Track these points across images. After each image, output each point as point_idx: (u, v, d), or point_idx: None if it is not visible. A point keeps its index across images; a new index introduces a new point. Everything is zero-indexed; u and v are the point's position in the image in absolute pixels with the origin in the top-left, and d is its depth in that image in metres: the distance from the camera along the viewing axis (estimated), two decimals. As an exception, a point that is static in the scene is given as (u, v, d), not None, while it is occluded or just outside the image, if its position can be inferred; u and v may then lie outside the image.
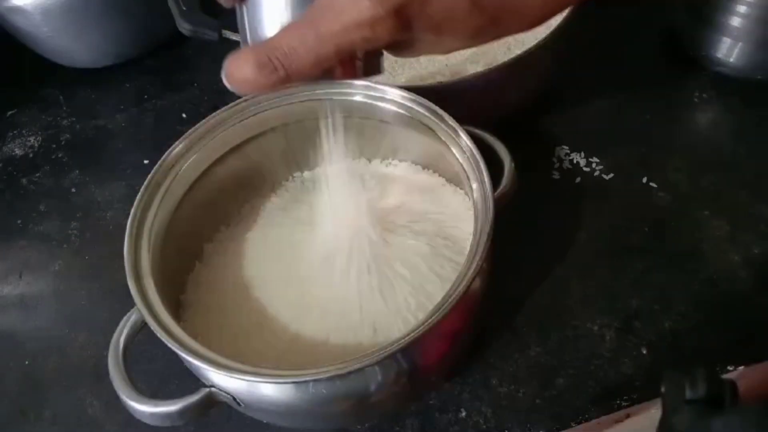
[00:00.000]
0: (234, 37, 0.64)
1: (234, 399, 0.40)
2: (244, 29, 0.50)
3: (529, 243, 0.57)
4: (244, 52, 0.39)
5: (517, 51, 0.56)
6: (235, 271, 0.53)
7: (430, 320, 0.38)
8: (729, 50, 0.65)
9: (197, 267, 0.54)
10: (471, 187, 0.47)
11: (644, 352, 0.51)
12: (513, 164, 0.48)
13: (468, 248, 0.44)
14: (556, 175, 0.63)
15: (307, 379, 0.37)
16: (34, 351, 0.57)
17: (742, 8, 0.62)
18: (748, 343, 0.50)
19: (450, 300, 0.39)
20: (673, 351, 0.51)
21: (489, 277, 0.45)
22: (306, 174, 0.60)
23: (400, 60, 0.70)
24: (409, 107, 0.52)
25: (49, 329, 0.59)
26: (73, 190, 0.70)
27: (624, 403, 0.48)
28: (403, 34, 0.38)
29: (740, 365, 0.48)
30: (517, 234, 0.53)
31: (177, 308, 0.50)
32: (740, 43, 0.64)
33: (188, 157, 0.51)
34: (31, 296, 0.61)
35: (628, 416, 0.46)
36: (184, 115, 0.76)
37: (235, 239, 0.56)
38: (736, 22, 0.63)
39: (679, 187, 0.61)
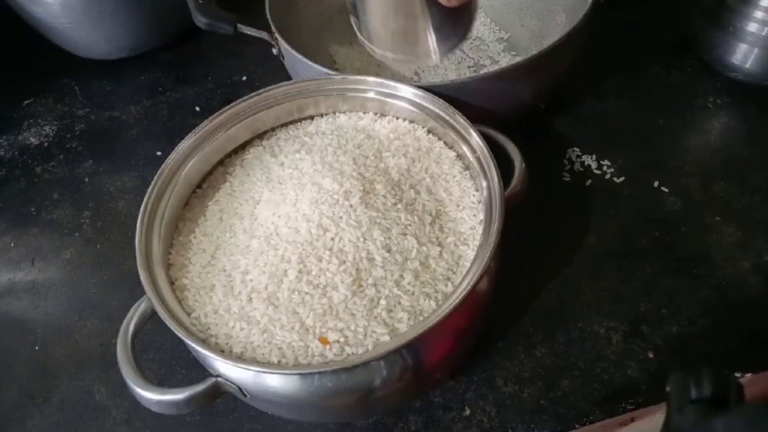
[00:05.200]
0: (249, 31, 0.64)
1: (240, 389, 0.41)
2: None
3: (538, 244, 0.57)
4: None
5: (532, 52, 0.56)
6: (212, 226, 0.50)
7: (436, 317, 0.38)
8: (745, 56, 0.65)
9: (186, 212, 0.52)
10: (481, 185, 0.47)
11: (651, 356, 0.50)
12: (524, 164, 0.48)
13: (468, 239, 0.44)
14: (567, 177, 0.63)
15: (313, 371, 0.38)
16: (44, 337, 0.58)
17: (759, 13, 0.61)
18: (756, 350, 0.50)
19: (457, 297, 0.39)
20: (680, 356, 0.50)
21: (496, 276, 0.45)
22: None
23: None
24: (421, 104, 0.52)
25: (60, 316, 0.59)
26: (86, 179, 0.71)
27: (629, 407, 0.48)
28: None
29: (748, 372, 0.48)
30: (526, 234, 0.53)
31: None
32: (756, 49, 0.63)
33: (200, 149, 0.52)
34: (42, 283, 0.62)
35: (632, 420, 0.46)
36: (197, 108, 0.76)
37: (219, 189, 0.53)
38: (752, 27, 0.62)
39: (691, 192, 0.60)
